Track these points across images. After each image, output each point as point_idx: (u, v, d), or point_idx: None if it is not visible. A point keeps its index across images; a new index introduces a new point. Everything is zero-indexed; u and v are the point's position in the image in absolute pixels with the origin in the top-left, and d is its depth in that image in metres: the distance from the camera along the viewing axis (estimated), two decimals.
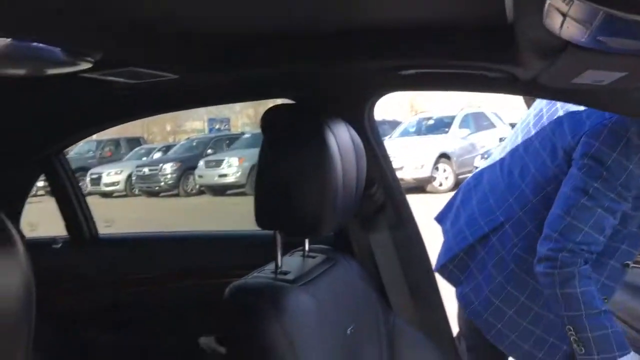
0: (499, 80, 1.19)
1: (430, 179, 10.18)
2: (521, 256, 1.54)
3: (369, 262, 1.44)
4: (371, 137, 1.43)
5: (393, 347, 1.30)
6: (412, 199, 1.62)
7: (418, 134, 11.58)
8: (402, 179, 9.61)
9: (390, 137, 11.33)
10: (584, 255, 1.37)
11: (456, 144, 10.77)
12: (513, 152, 1.64)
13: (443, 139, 10.90)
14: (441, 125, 11.55)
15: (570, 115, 1.48)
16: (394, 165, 1.55)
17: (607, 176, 1.36)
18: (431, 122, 11.94)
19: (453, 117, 11.52)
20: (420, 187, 9.84)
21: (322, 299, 1.11)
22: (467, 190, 1.77)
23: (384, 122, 12.33)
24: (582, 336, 1.35)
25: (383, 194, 1.46)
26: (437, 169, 10.39)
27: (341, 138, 1.10)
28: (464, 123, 11.34)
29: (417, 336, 1.36)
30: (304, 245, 1.27)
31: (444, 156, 10.53)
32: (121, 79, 1.21)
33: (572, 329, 1.36)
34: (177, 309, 1.81)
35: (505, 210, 1.59)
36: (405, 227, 1.49)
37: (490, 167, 1.72)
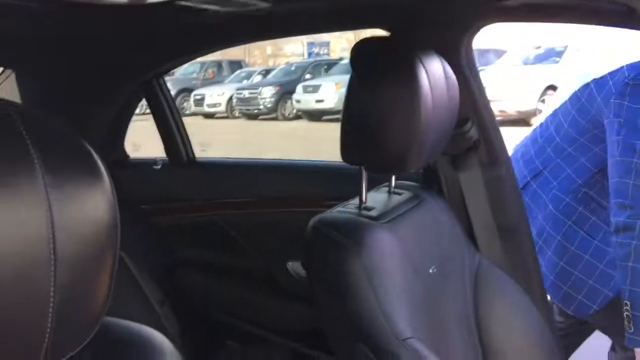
0: (613, 13, 1.08)
1: (535, 112, 9.64)
2: (558, 196, 1.58)
3: (457, 202, 1.41)
4: (467, 71, 1.36)
5: (478, 289, 1.28)
6: (514, 133, 1.63)
7: (525, 64, 10.93)
8: (504, 112, 9.25)
9: (494, 65, 10.78)
10: None
11: (567, 75, 10.07)
12: (554, 111, 1.68)
13: (552, 70, 10.22)
14: (551, 55, 10.81)
15: (596, 78, 1.50)
16: (496, 96, 1.52)
17: None
18: (540, 50, 11.19)
19: (566, 47, 10.73)
20: (523, 120, 9.38)
21: (405, 237, 1.11)
22: (518, 145, 1.84)
23: (488, 50, 11.72)
24: (636, 314, 1.32)
25: (477, 131, 1.40)
26: (543, 101, 9.81)
27: (433, 73, 1.06)
28: (577, 53, 10.55)
29: (505, 280, 1.33)
30: (390, 181, 1.25)
31: (552, 88, 9.91)
32: (215, 7, 1.21)
33: (629, 304, 1.33)
34: (268, 233, 1.88)
35: (544, 159, 1.64)
36: (499, 166, 1.43)
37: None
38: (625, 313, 1.34)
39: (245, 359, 1.69)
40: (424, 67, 1.03)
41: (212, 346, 1.94)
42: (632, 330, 1.34)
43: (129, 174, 2.06)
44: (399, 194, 1.25)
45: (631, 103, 1.37)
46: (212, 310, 1.96)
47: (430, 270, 1.16)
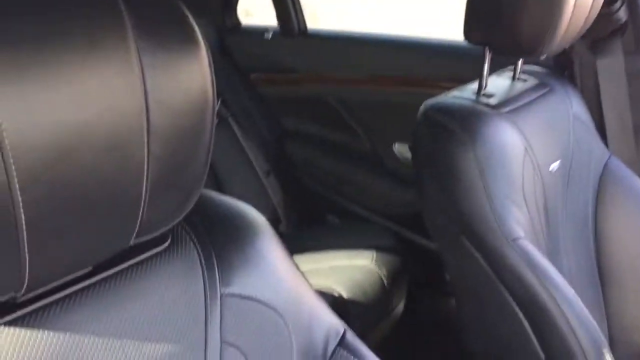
0: None
1: None
2: None
3: (591, 92, 1.26)
4: None
5: (602, 190, 1.17)
6: None
7: None
8: None
9: None
10: None
11: None
12: None
13: None
14: None
15: None
16: None
17: None
18: None
19: None
20: None
21: (527, 129, 1.01)
22: None
23: None
24: None
25: (626, 12, 1.21)
26: None
27: None
28: None
29: (635, 183, 1.19)
30: (515, 65, 1.13)
31: None
32: None
33: None
34: (377, 112, 1.81)
35: None
36: None
37: None
38: None
39: (344, 234, 1.71)
40: None
41: (313, 219, 1.98)
42: None
43: (239, 41, 2.04)
44: (525, 80, 1.13)
45: None
46: (316, 184, 1.97)
47: (551, 168, 1.06)
